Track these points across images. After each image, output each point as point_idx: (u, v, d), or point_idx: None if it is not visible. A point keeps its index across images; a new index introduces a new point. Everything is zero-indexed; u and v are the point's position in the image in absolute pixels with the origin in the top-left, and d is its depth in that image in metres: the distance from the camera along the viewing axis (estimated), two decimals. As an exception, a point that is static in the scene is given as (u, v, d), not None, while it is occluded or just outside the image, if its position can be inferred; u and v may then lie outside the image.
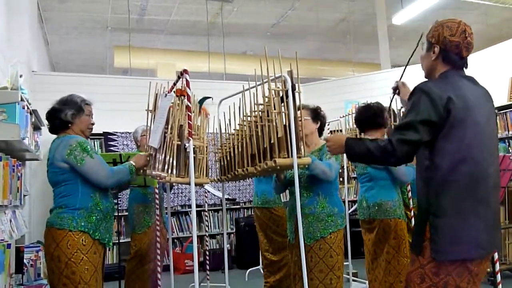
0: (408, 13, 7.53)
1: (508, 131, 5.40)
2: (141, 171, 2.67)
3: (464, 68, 1.83)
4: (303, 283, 2.31)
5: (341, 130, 4.83)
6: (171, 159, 2.35)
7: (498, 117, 5.54)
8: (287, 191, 2.93)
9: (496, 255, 2.86)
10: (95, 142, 5.88)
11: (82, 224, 2.38)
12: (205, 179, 2.43)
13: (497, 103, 5.60)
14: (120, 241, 5.64)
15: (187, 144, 2.28)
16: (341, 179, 4.44)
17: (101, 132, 5.78)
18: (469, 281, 1.67)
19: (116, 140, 5.79)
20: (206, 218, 4.90)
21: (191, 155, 2.26)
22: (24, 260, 3.33)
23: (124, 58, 8.47)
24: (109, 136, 5.76)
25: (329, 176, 2.53)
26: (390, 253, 3.12)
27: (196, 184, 2.33)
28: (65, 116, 2.51)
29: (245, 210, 6.41)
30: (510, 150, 5.20)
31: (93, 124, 2.64)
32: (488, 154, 1.71)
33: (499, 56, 5.91)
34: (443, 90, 1.68)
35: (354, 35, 9.49)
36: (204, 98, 6.32)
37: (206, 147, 3.37)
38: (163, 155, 2.45)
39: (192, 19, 8.44)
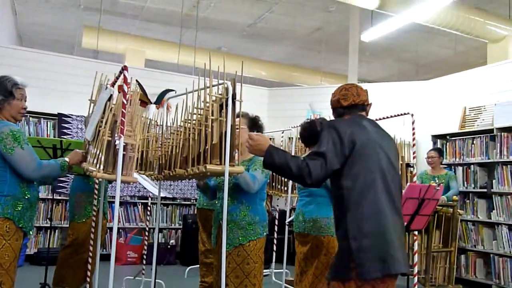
0: (377, 31, 7.63)
1: (455, 158, 5.58)
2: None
3: (364, 113, 2.08)
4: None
5: (291, 138, 4.88)
6: (100, 153, 2.32)
7: (448, 143, 5.71)
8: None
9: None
10: (48, 123, 5.74)
11: (8, 211, 2.38)
12: (133, 178, 2.41)
13: (449, 130, 5.79)
14: (63, 226, 5.55)
15: (117, 141, 2.25)
16: (285, 188, 4.50)
17: (56, 113, 5.65)
18: None
19: (70, 123, 5.66)
20: (149, 211, 4.84)
21: (120, 152, 2.24)
22: None
23: (93, 39, 8.28)
24: (63, 118, 5.63)
25: (251, 188, 2.55)
26: (319, 269, 3.17)
27: (122, 182, 2.30)
28: None
29: (195, 207, 6.38)
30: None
31: (25, 108, 2.57)
32: (388, 181, 1.87)
33: (455, 86, 6.08)
34: (346, 126, 1.93)
35: (328, 45, 9.59)
36: (167, 91, 6.24)
37: (154, 141, 3.37)
38: (94, 149, 2.42)
39: (168, 8, 8.33)
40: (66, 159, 2.58)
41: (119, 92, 2.54)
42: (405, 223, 2.76)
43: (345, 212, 1.83)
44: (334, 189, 1.92)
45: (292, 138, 4.75)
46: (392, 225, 1.80)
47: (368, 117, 2.10)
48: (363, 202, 1.81)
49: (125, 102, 2.31)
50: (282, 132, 5.05)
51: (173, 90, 6.50)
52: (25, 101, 2.56)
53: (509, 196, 4.85)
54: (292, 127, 4.70)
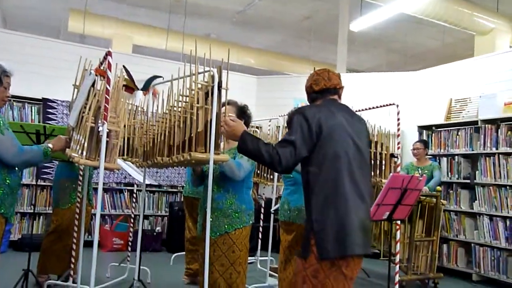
0: (366, 21, 7.63)
1: (440, 148, 5.64)
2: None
3: (336, 96, 2.13)
4: (204, 276, 2.38)
5: (278, 127, 4.89)
6: (83, 140, 2.29)
7: (433, 134, 5.78)
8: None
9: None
10: (33, 108, 5.65)
11: None
12: (116, 165, 2.39)
13: (434, 121, 5.84)
14: (48, 212, 5.51)
15: (100, 128, 2.23)
16: (271, 176, 4.51)
17: (40, 98, 5.56)
18: (344, 285, 1.87)
19: (55, 108, 5.58)
20: (135, 198, 4.82)
21: (104, 139, 2.22)
22: None
23: (79, 23, 8.13)
24: (48, 103, 5.54)
25: (236, 176, 2.56)
26: (303, 256, 3.21)
27: (105, 169, 2.29)
28: None
29: (182, 194, 6.38)
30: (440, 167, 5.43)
31: (8, 96, 2.53)
32: (353, 166, 1.93)
33: (441, 77, 6.13)
34: (315, 112, 1.98)
35: (317, 33, 9.56)
36: (154, 77, 6.16)
37: (140, 128, 3.34)
38: (78, 135, 2.39)
39: (157, -7, 8.22)
40: (50, 145, 2.55)
41: (102, 77, 2.50)
42: (388, 213, 2.80)
43: (310, 196, 1.92)
44: (303, 174, 2.00)
45: (280, 126, 4.75)
46: (354, 210, 1.87)
47: (341, 101, 2.15)
48: (326, 186, 1.88)
49: (108, 88, 2.29)
50: (270, 121, 5.05)
51: (160, 77, 6.41)
52: (9, 89, 2.53)
53: (491, 187, 4.94)
54: (279, 116, 4.70)
